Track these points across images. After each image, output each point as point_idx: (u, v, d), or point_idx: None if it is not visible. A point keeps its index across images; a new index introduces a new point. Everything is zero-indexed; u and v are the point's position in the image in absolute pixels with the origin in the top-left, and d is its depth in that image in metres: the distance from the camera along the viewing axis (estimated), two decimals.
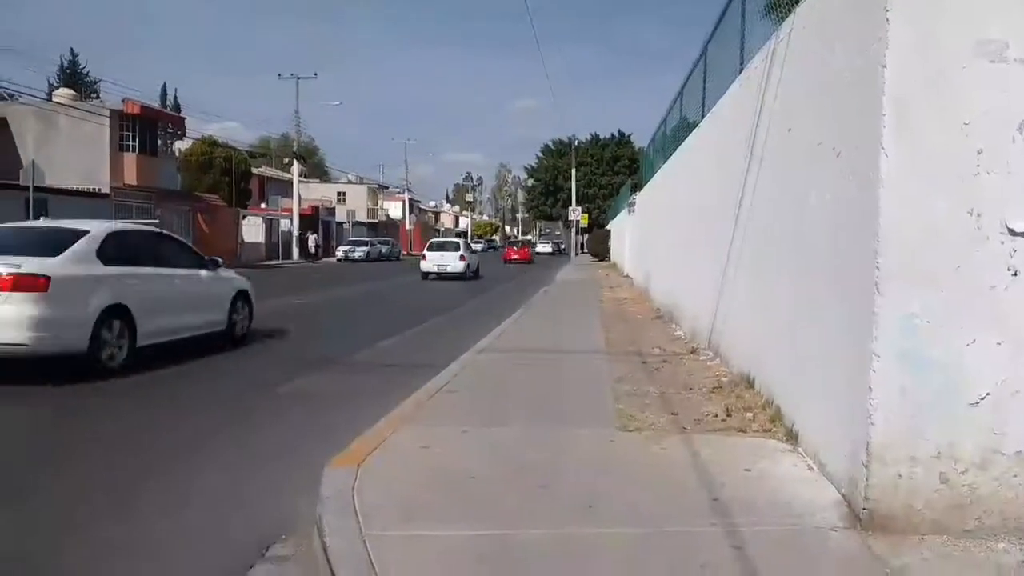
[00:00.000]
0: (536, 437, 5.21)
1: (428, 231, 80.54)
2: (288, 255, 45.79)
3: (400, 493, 4.12)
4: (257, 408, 6.78)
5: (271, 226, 47.16)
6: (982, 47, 3.61)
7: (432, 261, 27.77)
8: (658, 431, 5.34)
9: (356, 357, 9.65)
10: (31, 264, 7.50)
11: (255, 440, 5.71)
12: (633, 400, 6.24)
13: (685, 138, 12.04)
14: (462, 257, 27.72)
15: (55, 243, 8.05)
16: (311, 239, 47.77)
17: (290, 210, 45.60)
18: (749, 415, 5.61)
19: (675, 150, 13.28)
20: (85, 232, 8.28)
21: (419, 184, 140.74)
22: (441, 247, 29.14)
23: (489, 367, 8.14)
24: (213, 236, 37.15)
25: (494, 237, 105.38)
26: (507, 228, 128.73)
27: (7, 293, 7.27)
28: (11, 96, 31.42)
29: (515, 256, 46.59)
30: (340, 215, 60.78)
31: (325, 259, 49.08)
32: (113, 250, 8.41)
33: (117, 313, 8.06)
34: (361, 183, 73.12)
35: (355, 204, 67.29)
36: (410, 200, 75.70)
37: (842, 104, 4.39)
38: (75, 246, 8.05)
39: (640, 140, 62.14)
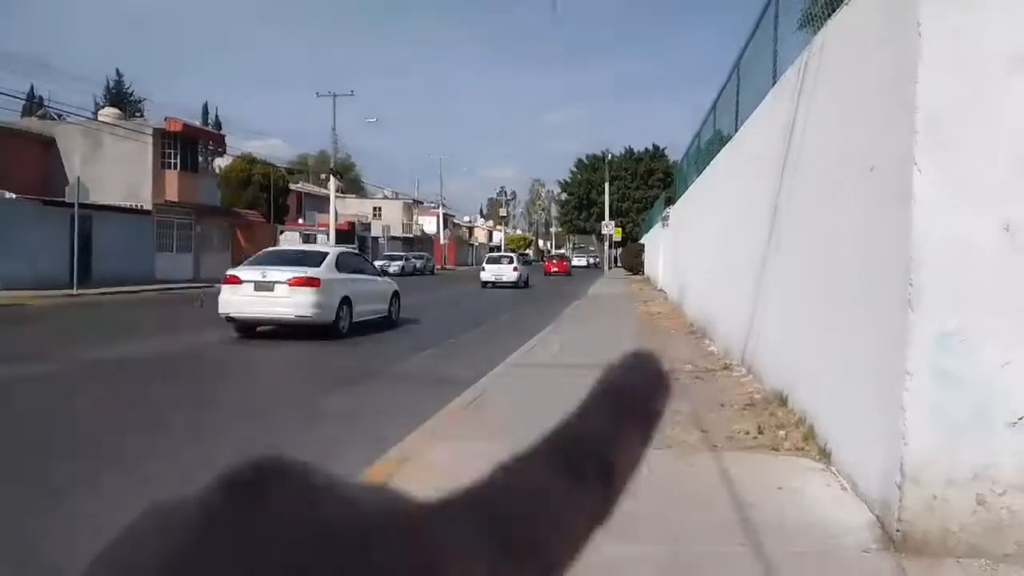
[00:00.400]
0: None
1: (462, 246, 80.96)
2: None
3: None
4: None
5: (308, 241, 47.72)
6: (1017, 62, 3.56)
7: (491, 272, 32.53)
8: (689, 448, 5.29)
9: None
10: (308, 272, 12.75)
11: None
12: (664, 416, 6.19)
13: (718, 152, 11.98)
14: (515, 269, 32.61)
15: (314, 259, 13.42)
16: None
17: (327, 225, 46.07)
18: (781, 433, 5.53)
19: (708, 164, 13.21)
20: (327, 253, 13.83)
21: (453, 199, 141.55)
22: (498, 260, 34.40)
23: (520, 381, 8.14)
24: (252, 251, 37.70)
25: (527, 251, 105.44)
26: (540, 242, 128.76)
27: (299, 287, 12.52)
28: (60, 116, 32.30)
29: (555, 268, 49.92)
30: (376, 230, 61.30)
31: None
32: (341, 263, 13.76)
33: (346, 301, 13.30)
34: (396, 198, 73.70)
35: (390, 219, 67.83)
36: (444, 215, 76.07)
37: (875, 118, 4.35)
38: (325, 260, 13.33)
39: (675, 153, 61.89)
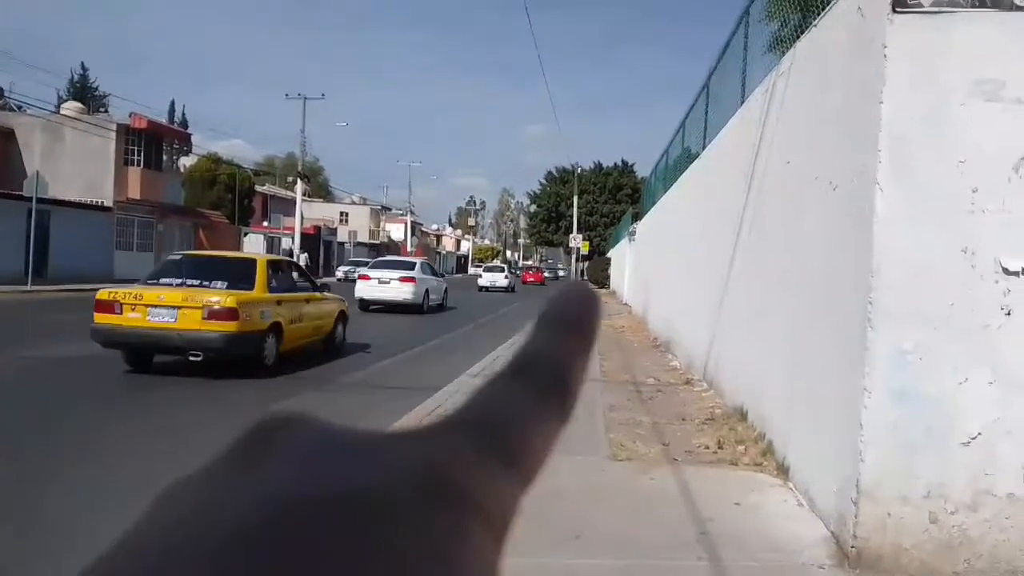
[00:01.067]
0: None
1: (429, 254, 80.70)
2: None
3: None
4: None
5: (272, 244, 47.22)
6: (979, 86, 3.63)
7: (487, 278, 41.22)
8: (648, 462, 5.30)
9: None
10: (408, 273, 20.81)
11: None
12: (625, 429, 6.19)
13: (686, 169, 12.09)
14: (506, 276, 41.23)
15: (409, 265, 21.66)
16: (302, 258, 47.04)
17: (292, 228, 45.68)
18: (741, 448, 5.56)
19: (676, 181, 13.32)
20: (415, 263, 22.00)
21: (422, 207, 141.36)
22: (491, 270, 44.09)
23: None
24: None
25: (495, 261, 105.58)
26: (508, 253, 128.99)
27: (405, 283, 20.42)
28: (19, 108, 31.62)
29: (531, 279, 58.80)
30: (342, 235, 60.88)
31: (325, 278, 49.11)
32: (423, 269, 21.95)
33: (425, 292, 21.18)
34: (364, 204, 73.30)
35: (357, 225, 67.41)
36: (412, 222, 75.84)
37: (839, 139, 4.41)
38: (417, 266, 21.60)
39: (643, 170, 62.44)
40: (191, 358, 8.76)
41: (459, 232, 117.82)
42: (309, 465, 0.22)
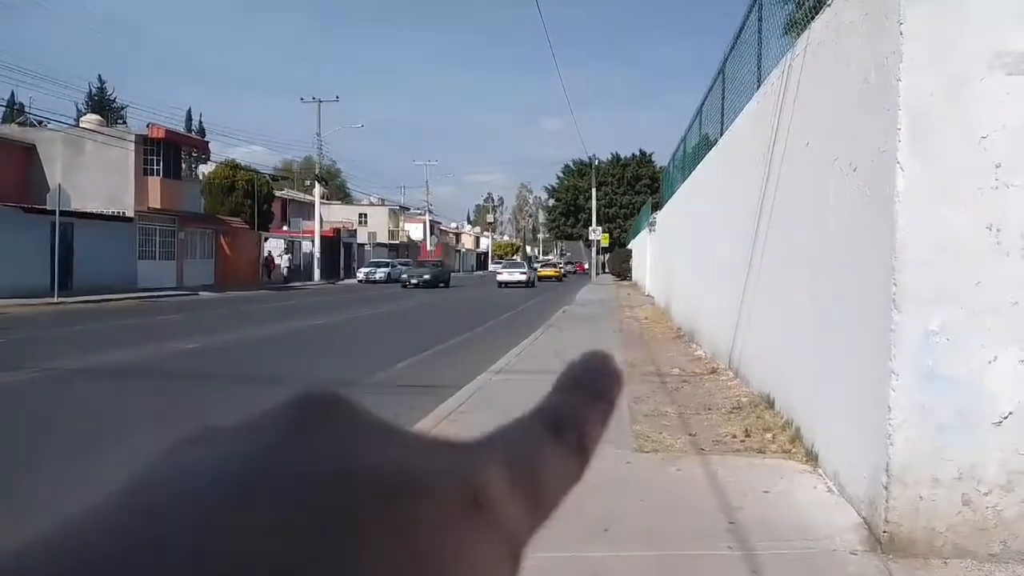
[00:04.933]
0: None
1: (449, 252, 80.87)
2: (310, 277, 46.08)
3: None
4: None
5: (292, 248, 47.52)
6: (999, 59, 3.56)
7: (506, 275, 42.68)
8: (675, 452, 5.26)
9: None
10: (525, 267, 44.62)
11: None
12: (651, 421, 6.16)
13: (704, 156, 12.00)
14: (523, 272, 42.65)
15: (524, 264, 48.32)
16: (282, 259, 46.26)
17: (312, 232, 45.93)
18: (768, 436, 5.51)
19: (694, 169, 13.23)
20: (524, 263, 49.01)
21: (440, 205, 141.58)
22: (510, 265, 46.44)
23: (503, 389, 8.08)
24: (235, 258, 37.53)
25: (515, 257, 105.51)
26: (528, 248, 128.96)
27: (523, 271, 42.19)
28: (40, 123, 32.02)
29: (548, 274, 57.78)
30: (361, 237, 61.15)
31: (346, 280, 49.34)
32: (529, 264, 51.23)
33: (532, 277, 44.29)
34: (382, 205, 73.57)
35: (376, 226, 67.69)
36: (431, 221, 76.05)
37: (858, 118, 4.34)
38: (528, 264, 49.63)
39: (662, 159, 62.22)
40: None
41: (478, 229, 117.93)
42: (347, 451, 0.22)
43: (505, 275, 42.36)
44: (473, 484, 0.23)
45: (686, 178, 14.93)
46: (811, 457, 4.90)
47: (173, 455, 0.22)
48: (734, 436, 5.61)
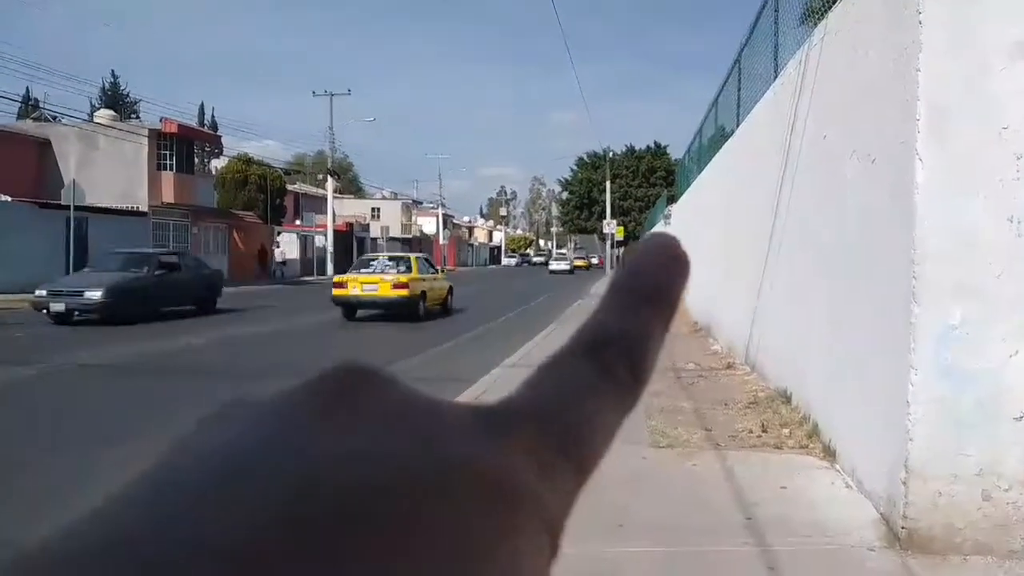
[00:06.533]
0: None
1: (462, 246, 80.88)
2: (323, 271, 46.21)
3: None
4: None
5: (305, 242, 47.64)
6: (1020, 49, 3.50)
7: (554, 265, 58.81)
8: (691, 448, 5.24)
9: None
10: (567, 258, 63.74)
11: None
12: (666, 416, 6.13)
13: (720, 148, 11.93)
14: (569, 263, 58.84)
15: (567, 256, 67.28)
16: (277, 253, 43.89)
17: (325, 226, 46.05)
18: (785, 431, 5.48)
19: (710, 160, 13.15)
20: (569, 256, 67.42)
21: (453, 199, 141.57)
22: (558, 259, 62.15)
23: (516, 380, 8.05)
24: (248, 253, 37.64)
25: (528, 251, 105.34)
26: (541, 242, 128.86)
27: (569, 264, 60.36)
28: (55, 118, 32.20)
29: (582, 264, 69.39)
30: (374, 231, 61.20)
31: None
32: (575, 255, 71.40)
33: (572, 267, 60.97)
34: (395, 199, 73.58)
35: (389, 220, 67.70)
36: (444, 215, 76.03)
37: (876, 110, 4.29)
38: (570, 259, 64.24)
39: (676, 151, 62.01)
40: (385, 311, 16.05)
41: (491, 223, 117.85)
42: (395, 429, 0.21)
43: (554, 265, 59.16)
44: (503, 471, 0.21)
45: (702, 170, 14.85)
46: (829, 453, 4.86)
47: (199, 431, 0.21)
48: (751, 431, 5.57)
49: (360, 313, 16.48)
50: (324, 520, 0.18)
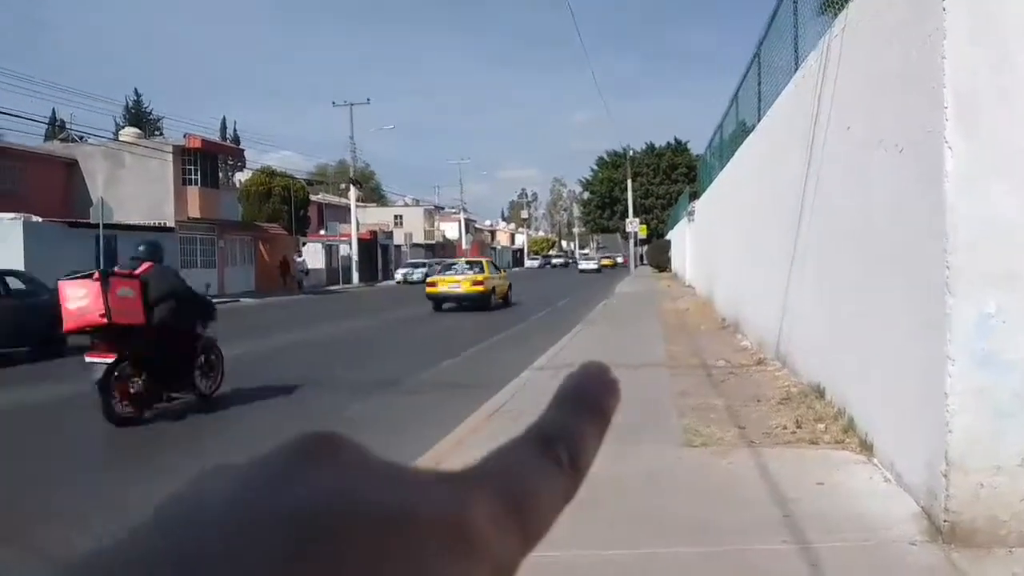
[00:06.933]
0: (597, 455, 5.11)
1: (484, 250, 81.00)
2: (349, 280, 46.49)
3: None
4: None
5: (330, 252, 47.95)
6: None
7: (584, 265, 65.52)
8: (725, 446, 5.20)
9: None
10: (597, 261, 68.55)
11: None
12: (698, 414, 6.09)
13: (742, 142, 11.84)
14: (595, 263, 65.22)
15: (597, 258, 72.14)
16: (300, 263, 42.15)
17: (349, 235, 46.33)
18: (820, 426, 5.42)
19: (732, 155, 13.06)
20: (597, 256, 74.56)
21: (474, 203, 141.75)
22: (587, 259, 69.44)
23: (546, 384, 8.05)
24: (274, 264, 37.96)
25: (550, 252, 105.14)
26: (563, 243, 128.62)
27: (597, 263, 66.77)
28: (81, 138, 32.69)
29: (608, 263, 73.24)
30: (398, 238, 61.45)
31: (385, 282, 49.68)
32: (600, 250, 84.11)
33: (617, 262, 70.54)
34: (417, 205, 73.88)
35: (412, 226, 67.97)
36: (466, 220, 76.17)
37: (902, 99, 4.24)
38: (597, 259, 70.35)
39: (697, 147, 61.74)
40: (464, 304, 20.77)
41: (512, 226, 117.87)
42: (345, 483, 0.23)
43: (583, 265, 65.70)
44: (461, 517, 0.24)
45: (723, 166, 14.76)
46: (865, 447, 4.80)
47: (190, 490, 0.24)
48: (784, 427, 5.52)
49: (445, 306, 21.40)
50: (309, 560, 0.21)
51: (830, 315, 6.05)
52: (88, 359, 6.91)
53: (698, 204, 22.35)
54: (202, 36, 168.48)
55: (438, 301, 21.14)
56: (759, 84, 10.43)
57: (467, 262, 22.97)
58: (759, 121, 10.15)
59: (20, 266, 22.39)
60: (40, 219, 23.76)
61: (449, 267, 22.45)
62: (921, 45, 3.86)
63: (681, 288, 26.31)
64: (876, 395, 4.77)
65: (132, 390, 7.05)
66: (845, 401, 5.48)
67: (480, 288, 20.55)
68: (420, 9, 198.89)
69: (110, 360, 6.81)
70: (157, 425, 7.16)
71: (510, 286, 23.65)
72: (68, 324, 6.86)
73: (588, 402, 0.31)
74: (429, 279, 22.18)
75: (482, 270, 21.37)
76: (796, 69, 7.60)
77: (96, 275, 6.78)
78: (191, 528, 0.22)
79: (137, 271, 7.18)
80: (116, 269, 7.41)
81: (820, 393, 6.18)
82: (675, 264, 38.18)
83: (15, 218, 22.85)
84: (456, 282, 20.81)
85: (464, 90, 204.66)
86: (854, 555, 3.47)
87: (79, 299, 6.73)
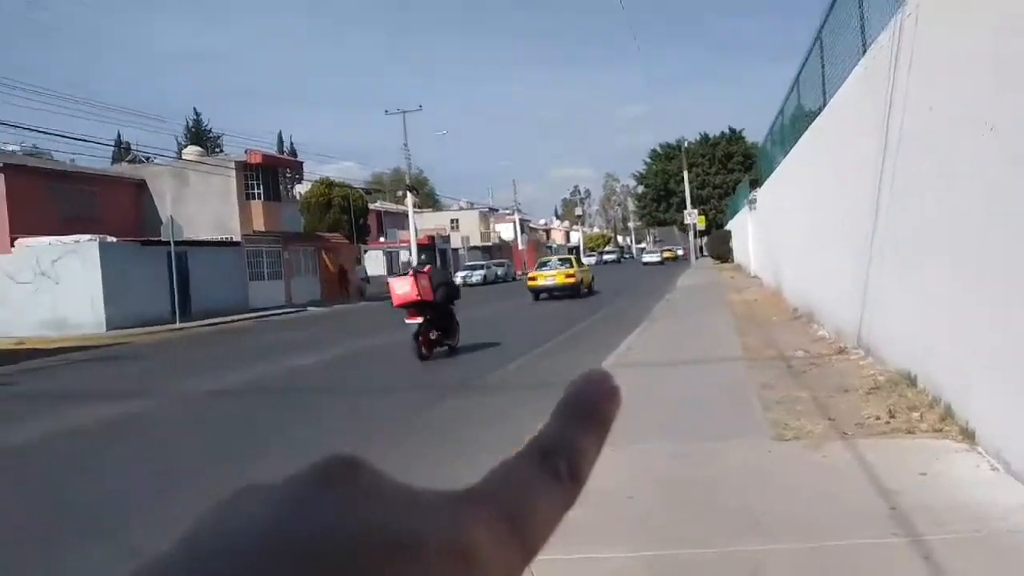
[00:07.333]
0: (687, 453, 5.07)
1: (540, 249, 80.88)
2: None
3: None
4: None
5: (391, 258, 48.52)
6: None
7: (648, 257, 69.93)
8: (817, 438, 5.09)
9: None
10: (659, 254, 71.58)
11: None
12: (784, 407, 5.98)
13: (807, 127, 11.59)
14: (658, 256, 69.29)
15: (668, 248, 79.97)
16: (359, 271, 41.99)
17: (408, 241, 46.80)
18: (915, 415, 5.27)
19: (796, 141, 12.79)
20: (659, 250, 74.88)
21: (527, 203, 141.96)
22: (650, 252, 73.59)
23: (622, 383, 8.00)
24: (337, 272, 38.57)
25: (606, 248, 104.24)
26: (619, 238, 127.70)
27: (659, 256, 70.29)
28: (148, 159, 33.68)
29: (670, 256, 75.75)
30: (455, 241, 61.85)
31: None
32: (668, 247, 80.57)
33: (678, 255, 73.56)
34: (472, 208, 74.18)
35: (468, 230, 68.31)
36: (520, 220, 76.22)
37: (991, 76, 4.10)
38: (660, 252, 73.59)
39: (752, 135, 60.68)
40: (556, 294, 24.97)
41: (567, 223, 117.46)
42: (359, 510, 0.26)
43: (647, 258, 70.54)
44: (464, 539, 0.26)
45: (786, 152, 14.47)
46: (967, 435, 4.65)
47: (217, 513, 0.26)
48: (877, 418, 5.38)
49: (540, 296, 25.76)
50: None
51: (917, 300, 5.88)
52: (407, 321, 11.66)
53: (760, 192, 21.96)
54: (253, 52, 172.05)
55: (537, 292, 25.48)
56: (822, 67, 10.20)
57: (559, 259, 27.68)
58: (825, 105, 9.93)
59: (98, 283, 23.27)
60: (114, 239, 24.57)
61: (544, 264, 27.12)
62: (1010, 19, 3.72)
63: (746, 279, 25.90)
64: (977, 381, 4.62)
65: (431, 338, 11.89)
66: (940, 389, 5.32)
67: (572, 280, 24.96)
68: (464, 11, 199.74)
69: (419, 321, 11.57)
70: (437, 359, 11.85)
71: (593, 277, 28.26)
72: (396, 302, 11.56)
73: (587, 411, 0.32)
74: (530, 274, 27.18)
75: (571, 265, 26.17)
76: (864, 51, 7.41)
77: (411, 273, 11.86)
78: (216, 558, 0.24)
79: (425, 270, 12.11)
80: (413, 270, 12.30)
81: (911, 381, 6.01)
82: (737, 254, 37.58)
83: (92, 239, 23.67)
84: (552, 276, 25.33)
85: (511, 92, 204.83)
86: (967, 547, 3.36)
87: (402, 286, 11.48)
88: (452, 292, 12.27)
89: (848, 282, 8.47)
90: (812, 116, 11.10)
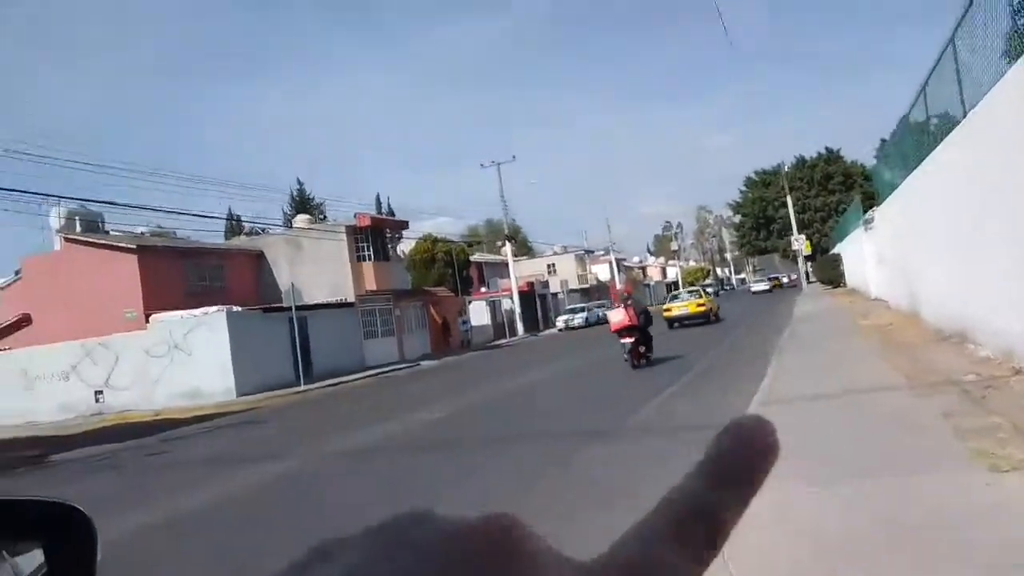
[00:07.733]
0: (893, 490, 4.75)
1: (638, 287, 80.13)
2: (514, 333, 47.18)
3: (776, 564, 3.87)
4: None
5: (494, 307, 48.96)
6: None
7: (755, 287, 72.75)
8: None
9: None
10: (767, 282, 75.50)
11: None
12: (984, 435, 5.57)
13: (941, 139, 11.08)
14: (766, 284, 73.23)
15: (774, 278, 79.88)
16: (461, 322, 41.72)
17: (509, 289, 47.18)
18: None
19: (930, 152, 12.21)
20: (767, 279, 78.45)
21: (621, 242, 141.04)
22: (758, 282, 76.97)
23: (779, 420, 7.65)
24: (445, 325, 39.18)
25: (706, 281, 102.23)
26: (717, 270, 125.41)
27: (767, 285, 73.26)
28: (263, 230, 35.24)
29: (776, 284, 78.35)
30: (554, 286, 61.97)
31: (547, 331, 50.07)
32: (776, 277, 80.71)
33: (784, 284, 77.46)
34: (566, 252, 74.37)
35: (564, 273, 68.37)
36: (616, 260, 75.84)
37: None
38: (767, 280, 77.87)
39: (851, 153, 59.00)
40: (687, 323, 29.61)
41: (661, 259, 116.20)
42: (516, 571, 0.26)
43: (755, 287, 73.58)
44: None
45: (911, 167, 13.88)
46: None
47: (302, 566, 0.29)
48: None
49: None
50: None
51: None
52: (622, 341, 15.73)
53: (879, 211, 21.12)
54: (343, 117, 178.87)
55: (671, 321, 29.45)
56: (958, 74, 9.77)
57: (688, 291, 32.43)
58: (965, 114, 9.47)
59: (227, 352, 24.27)
60: (239, 308, 25.65)
61: (675, 297, 31.69)
62: None
63: (867, 302, 24.82)
64: None
65: (641, 352, 15.84)
66: None
67: (703, 308, 29.46)
68: (541, 58, 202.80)
69: (631, 340, 15.61)
70: (644, 369, 15.64)
71: (719, 307, 32.58)
72: (614, 327, 15.77)
73: (736, 470, 0.29)
74: (665, 306, 30.81)
75: (700, 296, 30.67)
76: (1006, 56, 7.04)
77: (624, 305, 15.72)
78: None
79: (629, 302, 15.81)
80: (622, 302, 16.01)
81: None
82: (850, 278, 36.18)
83: (219, 310, 24.79)
84: (685, 306, 29.91)
85: (595, 133, 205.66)
86: None
87: (617, 315, 15.73)
88: (648, 318, 16.05)
89: (1017, 297, 7.94)
90: (950, 127, 10.60)
